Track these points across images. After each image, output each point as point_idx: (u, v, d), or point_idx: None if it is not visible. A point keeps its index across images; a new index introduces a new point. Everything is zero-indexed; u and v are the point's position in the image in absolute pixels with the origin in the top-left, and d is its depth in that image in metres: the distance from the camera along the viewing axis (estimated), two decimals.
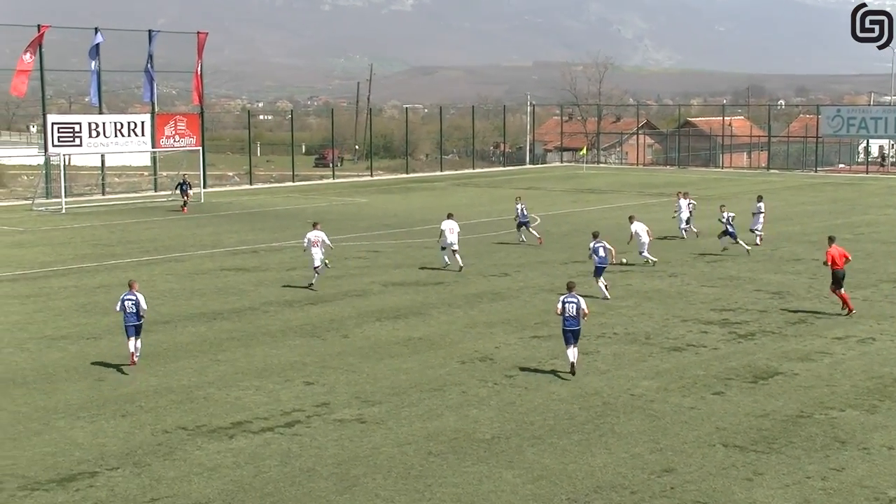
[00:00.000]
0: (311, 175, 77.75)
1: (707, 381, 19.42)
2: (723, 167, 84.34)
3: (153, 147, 59.40)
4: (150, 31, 59.73)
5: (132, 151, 61.30)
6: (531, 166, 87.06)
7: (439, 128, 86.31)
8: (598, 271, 27.36)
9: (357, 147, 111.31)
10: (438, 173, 78.12)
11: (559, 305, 19.57)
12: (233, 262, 33.55)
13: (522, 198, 38.58)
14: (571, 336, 19.51)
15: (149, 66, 59.29)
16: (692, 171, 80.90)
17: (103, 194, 58.65)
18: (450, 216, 32.34)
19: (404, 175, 76.27)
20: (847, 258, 25.17)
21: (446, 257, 31.97)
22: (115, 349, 21.68)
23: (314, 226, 29.62)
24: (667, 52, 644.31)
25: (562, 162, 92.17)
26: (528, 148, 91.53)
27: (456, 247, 31.65)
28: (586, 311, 19.68)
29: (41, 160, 58.76)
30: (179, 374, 19.82)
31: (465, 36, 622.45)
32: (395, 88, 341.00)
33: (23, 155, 75.76)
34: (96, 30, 56.82)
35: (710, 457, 15.34)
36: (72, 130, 55.81)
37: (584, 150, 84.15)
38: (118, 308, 20.59)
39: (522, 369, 20.17)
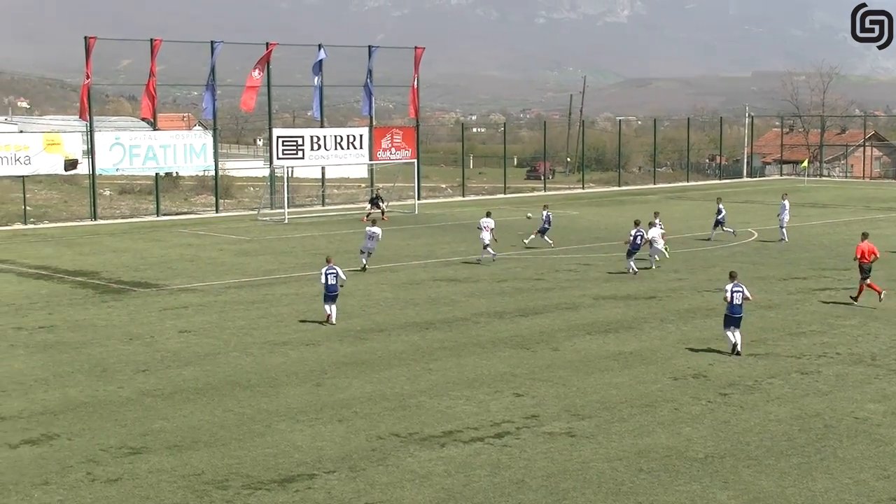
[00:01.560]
0: (523, 187, 78.12)
1: None
2: None
3: (370, 159, 61.08)
4: (369, 46, 61.46)
5: (351, 164, 63.27)
6: (748, 179, 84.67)
7: (653, 140, 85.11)
8: (630, 254, 33.07)
9: (569, 159, 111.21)
10: (651, 186, 77.05)
11: (728, 294, 21.80)
12: (445, 272, 34.07)
13: (549, 207, 41.54)
14: (735, 322, 21.90)
15: (368, 80, 61.04)
16: None
17: (323, 205, 60.66)
18: (488, 214, 36.52)
19: (616, 187, 75.60)
20: (875, 255, 27.81)
21: (490, 252, 35.19)
22: (333, 355, 22.40)
23: (373, 223, 34.84)
24: None
25: (781, 175, 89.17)
26: (745, 160, 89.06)
27: (487, 242, 35.14)
28: (750, 297, 22.28)
29: (266, 172, 61.42)
30: (393, 381, 20.27)
31: (682, 46, 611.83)
32: (608, 100, 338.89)
33: (250, 167, 79.46)
34: (320, 47, 58.90)
35: None
36: (295, 143, 58.11)
37: (806, 163, 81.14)
38: (322, 280, 25.20)
39: (738, 387, 19.62)
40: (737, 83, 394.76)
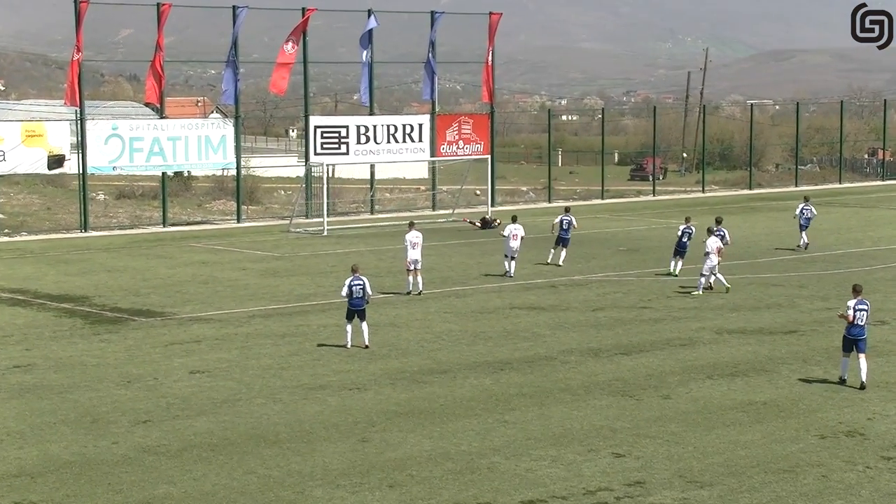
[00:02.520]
0: (626, 190, 77.89)
1: None
2: None
3: (432, 155, 61.28)
4: (432, 12, 61.65)
5: (407, 161, 63.59)
6: None
7: (795, 130, 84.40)
8: (677, 253, 37.37)
9: (685, 155, 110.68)
10: (792, 189, 76.34)
11: (850, 312, 22.64)
12: (525, 298, 34.06)
13: (570, 210, 42.25)
14: (856, 345, 22.62)
15: (430, 55, 61.16)
16: None
17: (372, 213, 60.95)
18: (514, 219, 38.15)
19: (746, 191, 75.07)
20: None
21: (511, 266, 37.53)
22: (383, 403, 22.50)
23: (411, 226, 35.65)
24: None
25: None
26: None
27: (516, 254, 37.38)
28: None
29: (301, 171, 61.88)
30: (459, 436, 20.29)
31: (835, 10, 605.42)
32: (736, 79, 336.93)
33: (281, 165, 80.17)
34: (369, 12, 58.87)
35: None
36: (337, 135, 58.49)
37: None
38: (344, 293, 26.36)
39: None
40: None
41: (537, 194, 72.59)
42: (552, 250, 40.21)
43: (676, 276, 36.92)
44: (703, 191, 74.76)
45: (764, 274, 37.94)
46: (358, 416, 21.62)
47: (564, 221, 40.17)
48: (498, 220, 54.62)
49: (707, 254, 34.49)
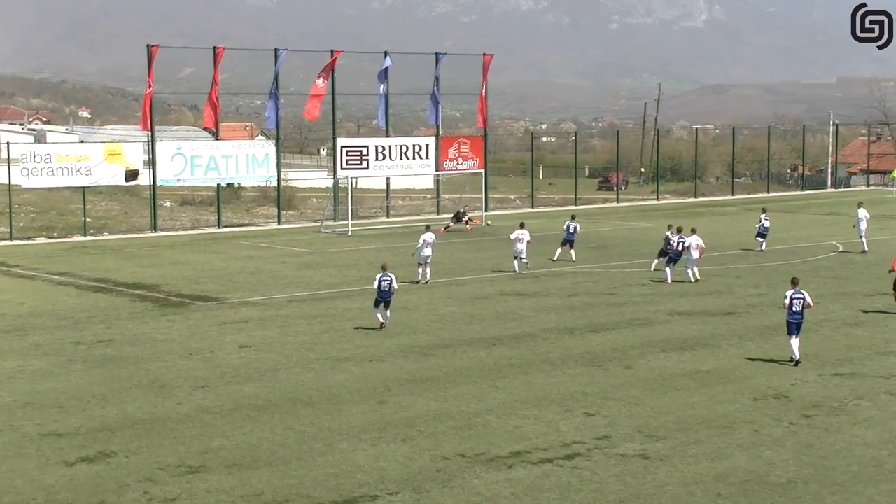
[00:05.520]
0: (595, 198, 77.68)
1: None
2: None
3: (437, 170, 61.19)
4: (437, 53, 61.59)
5: (417, 174, 63.43)
6: (833, 190, 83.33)
7: (731, 149, 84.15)
8: (671, 260, 34.31)
9: (643, 169, 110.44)
10: (729, 197, 76.18)
11: (787, 300, 22.52)
12: (513, 286, 33.95)
13: (577, 217, 40.97)
14: (796, 327, 22.47)
15: (435, 88, 61.19)
16: None
17: (388, 217, 60.86)
18: (522, 225, 36.73)
19: (692, 199, 74.85)
20: None
21: (516, 265, 36.13)
22: (397, 372, 22.41)
23: (427, 228, 35.14)
24: None
25: (868, 185, 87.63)
26: (829, 170, 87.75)
27: (524, 255, 35.98)
28: (811, 303, 22.96)
29: (330, 183, 61.81)
30: (458, 399, 20.20)
31: (762, 52, 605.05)
32: (684, 108, 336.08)
33: (313, 178, 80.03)
34: (385, 54, 59.18)
35: None
36: (359, 153, 58.45)
37: (895, 173, 79.68)
38: (375, 285, 26.33)
39: (822, 409, 19.24)
40: (820, 90, 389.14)
41: (522, 201, 72.44)
42: (559, 249, 39.35)
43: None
44: (658, 198, 74.53)
45: (706, 266, 37.76)
46: (376, 383, 21.54)
47: (571, 226, 39.24)
48: (465, 206, 54.81)
49: (687, 248, 34.35)
